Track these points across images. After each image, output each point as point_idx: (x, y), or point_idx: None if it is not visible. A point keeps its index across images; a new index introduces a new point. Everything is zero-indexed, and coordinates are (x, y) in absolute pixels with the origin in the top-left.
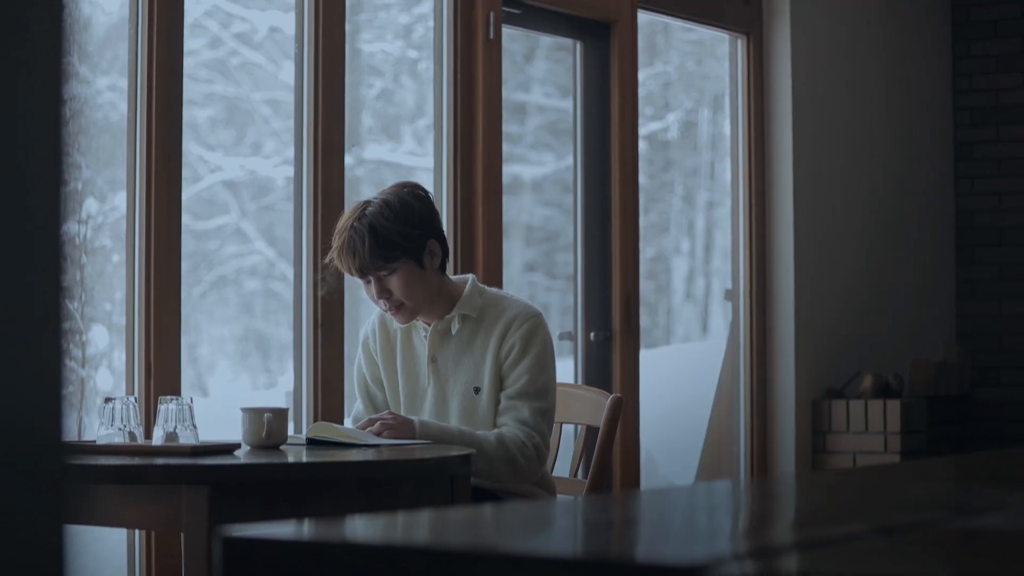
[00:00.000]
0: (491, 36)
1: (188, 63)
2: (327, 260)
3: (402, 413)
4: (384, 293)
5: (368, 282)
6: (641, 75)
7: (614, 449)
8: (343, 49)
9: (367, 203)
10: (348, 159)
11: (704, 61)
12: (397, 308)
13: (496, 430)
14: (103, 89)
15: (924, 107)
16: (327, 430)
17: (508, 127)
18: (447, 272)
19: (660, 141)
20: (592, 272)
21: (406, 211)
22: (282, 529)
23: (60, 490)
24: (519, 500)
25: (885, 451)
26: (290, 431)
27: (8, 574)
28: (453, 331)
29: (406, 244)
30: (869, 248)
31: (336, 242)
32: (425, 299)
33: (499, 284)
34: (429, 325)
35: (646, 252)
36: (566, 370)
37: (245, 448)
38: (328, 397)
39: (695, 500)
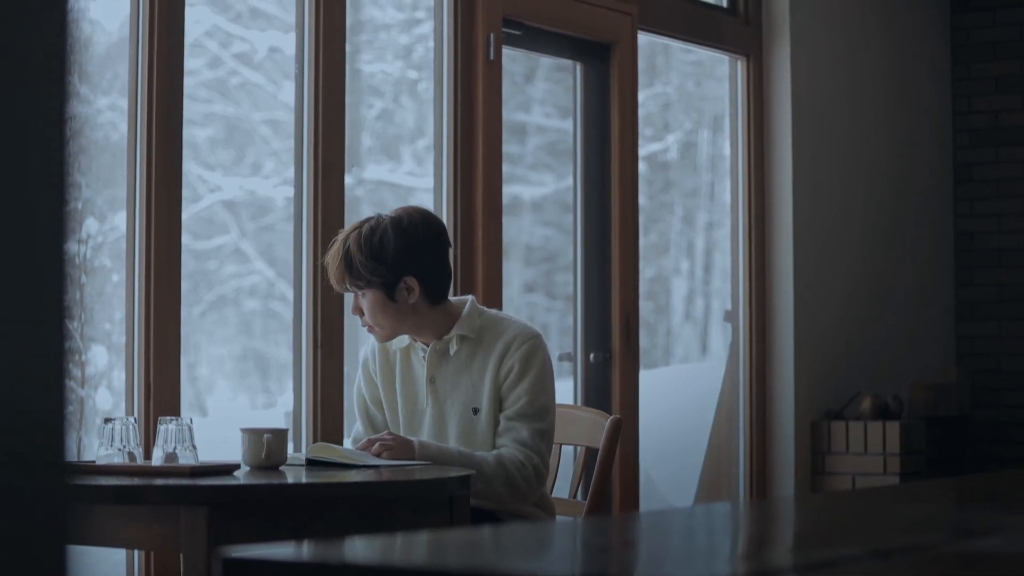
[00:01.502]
0: (491, 57)
1: (188, 83)
2: (324, 262)
3: (401, 434)
4: (358, 311)
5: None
6: (641, 96)
7: (613, 470)
8: (343, 69)
9: (365, 222)
10: (348, 179)
11: (704, 82)
12: (369, 328)
13: (495, 451)
14: (103, 109)
15: (924, 128)
16: (326, 451)
17: (508, 147)
18: (447, 296)
19: (660, 162)
20: (592, 293)
21: (380, 247)
22: (281, 550)
23: (61, 510)
24: (518, 521)
25: (884, 472)
26: (289, 451)
27: None
28: (451, 352)
29: (371, 277)
30: (868, 269)
31: (330, 249)
32: (396, 328)
33: (499, 305)
34: (427, 346)
35: (646, 273)
36: (565, 391)
37: (244, 469)
38: (327, 417)
39: (694, 522)
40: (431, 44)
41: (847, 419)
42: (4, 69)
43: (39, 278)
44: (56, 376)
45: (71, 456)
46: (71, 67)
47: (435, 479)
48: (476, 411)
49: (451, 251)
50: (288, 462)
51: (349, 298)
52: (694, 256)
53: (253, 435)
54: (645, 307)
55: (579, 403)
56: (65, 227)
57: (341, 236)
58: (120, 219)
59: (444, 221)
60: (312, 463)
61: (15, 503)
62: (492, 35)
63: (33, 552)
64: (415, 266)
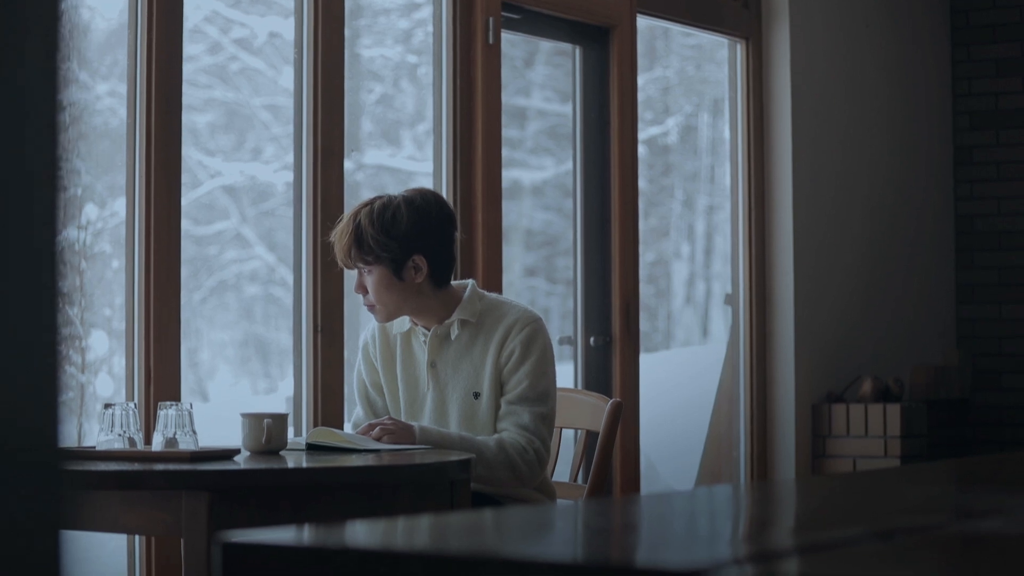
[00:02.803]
0: (491, 41)
1: (187, 68)
2: (330, 238)
3: (402, 419)
4: (361, 288)
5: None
6: (641, 80)
7: (614, 454)
8: (342, 54)
9: (376, 199)
10: (348, 164)
11: (703, 65)
12: (370, 306)
13: (496, 435)
14: (102, 95)
15: (923, 111)
16: (327, 435)
17: (508, 132)
18: (450, 281)
19: (660, 145)
20: (592, 277)
21: (393, 222)
22: (282, 534)
23: (57, 497)
24: (519, 505)
25: (885, 455)
26: (290, 436)
27: None
28: (452, 336)
29: (381, 253)
30: (869, 252)
31: (337, 225)
32: (399, 307)
33: (499, 289)
34: (428, 330)
35: (646, 256)
36: (566, 375)
37: (245, 454)
38: (328, 402)
39: (695, 504)
40: (430, 28)
41: (848, 402)
42: (0, 56)
43: (36, 265)
44: (51, 363)
45: (67, 442)
46: (69, 53)
47: (436, 463)
48: (477, 395)
49: (457, 237)
50: (288, 447)
51: (349, 283)
52: (694, 239)
53: (253, 420)
54: (645, 291)
55: (579, 387)
56: (63, 213)
57: (350, 212)
58: (120, 205)
59: None
60: (312, 448)
61: (9, 490)
62: (491, 19)
63: (27, 539)
64: (425, 245)
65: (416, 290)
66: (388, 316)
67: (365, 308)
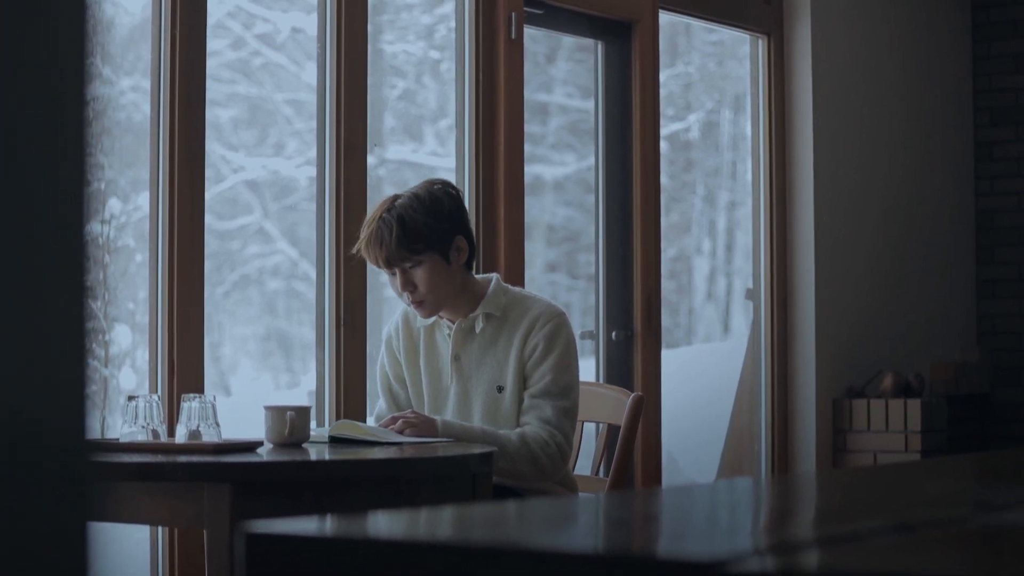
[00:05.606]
0: (513, 36)
1: (211, 64)
2: (354, 250)
3: (425, 412)
4: (408, 286)
5: (393, 274)
6: (662, 75)
7: (635, 447)
8: (365, 50)
9: (397, 196)
10: (370, 159)
11: (725, 61)
12: (420, 303)
13: (519, 429)
14: (126, 90)
15: (944, 106)
16: (350, 428)
17: (530, 127)
18: (473, 271)
19: (681, 141)
20: (614, 272)
21: (435, 204)
22: (305, 525)
23: (84, 488)
24: (541, 497)
25: (905, 450)
26: (312, 428)
27: (33, 573)
28: (477, 330)
29: (432, 237)
30: (889, 248)
31: (364, 233)
32: (448, 295)
33: (521, 284)
34: (453, 323)
35: (667, 252)
36: (588, 369)
37: (268, 446)
38: (350, 396)
39: (716, 497)
40: (453, 24)
41: (868, 397)
42: (25, 51)
43: (61, 258)
44: (76, 356)
45: (93, 435)
46: (93, 48)
47: (458, 456)
48: (501, 389)
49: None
50: (311, 439)
51: (371, 278)
52: (716, 235)
53: (276, 412)
54: (667, 286)
55: (601, 381)
56: (87, 207)
57: (376, 215)
58: (143, 199)
59: (466, 201)
60: (335, 440)
61: (37, 482)
62: (514, 14)
63: (56, 529)
64: (461, 226)
65: (461, 276)
66: (436, 308)
67: (397, 304)
